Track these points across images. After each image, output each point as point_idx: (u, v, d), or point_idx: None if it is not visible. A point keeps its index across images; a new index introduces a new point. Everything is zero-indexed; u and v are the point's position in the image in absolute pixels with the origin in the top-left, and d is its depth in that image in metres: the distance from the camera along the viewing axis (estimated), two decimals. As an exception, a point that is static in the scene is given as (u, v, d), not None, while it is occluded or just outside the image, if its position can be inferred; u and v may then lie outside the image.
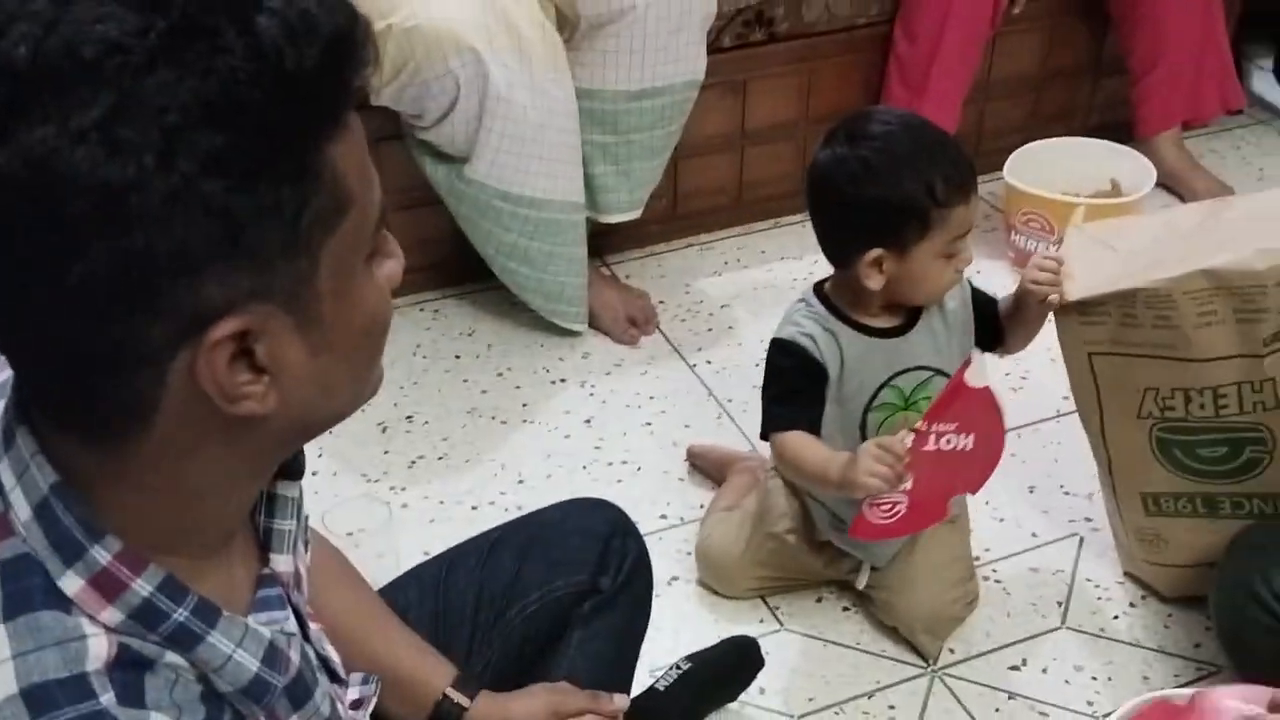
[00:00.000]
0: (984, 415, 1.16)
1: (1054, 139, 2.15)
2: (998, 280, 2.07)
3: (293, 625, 0.69)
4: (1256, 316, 1.23)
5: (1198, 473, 1.35)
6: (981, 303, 1.32)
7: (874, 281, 1.19)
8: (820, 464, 1.20)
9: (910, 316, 1.26)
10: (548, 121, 1.72)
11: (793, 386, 1.23)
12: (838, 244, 1.22)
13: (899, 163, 1.16)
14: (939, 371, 1.24)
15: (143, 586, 0.58)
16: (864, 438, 1.24)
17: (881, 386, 1.24)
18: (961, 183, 1.17)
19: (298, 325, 0.57)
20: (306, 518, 0.78)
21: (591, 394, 1.82)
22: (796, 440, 1.22)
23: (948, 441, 1.14)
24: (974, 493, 1.33)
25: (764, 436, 1.27)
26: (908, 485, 1.15)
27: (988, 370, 1.16)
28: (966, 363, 1.13)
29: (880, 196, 1.16)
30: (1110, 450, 1.40)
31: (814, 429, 1.23)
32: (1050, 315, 1.30)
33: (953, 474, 1.19)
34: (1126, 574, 1.51)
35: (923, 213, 1.15)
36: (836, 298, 1.25)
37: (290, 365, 0.58)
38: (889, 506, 1.17)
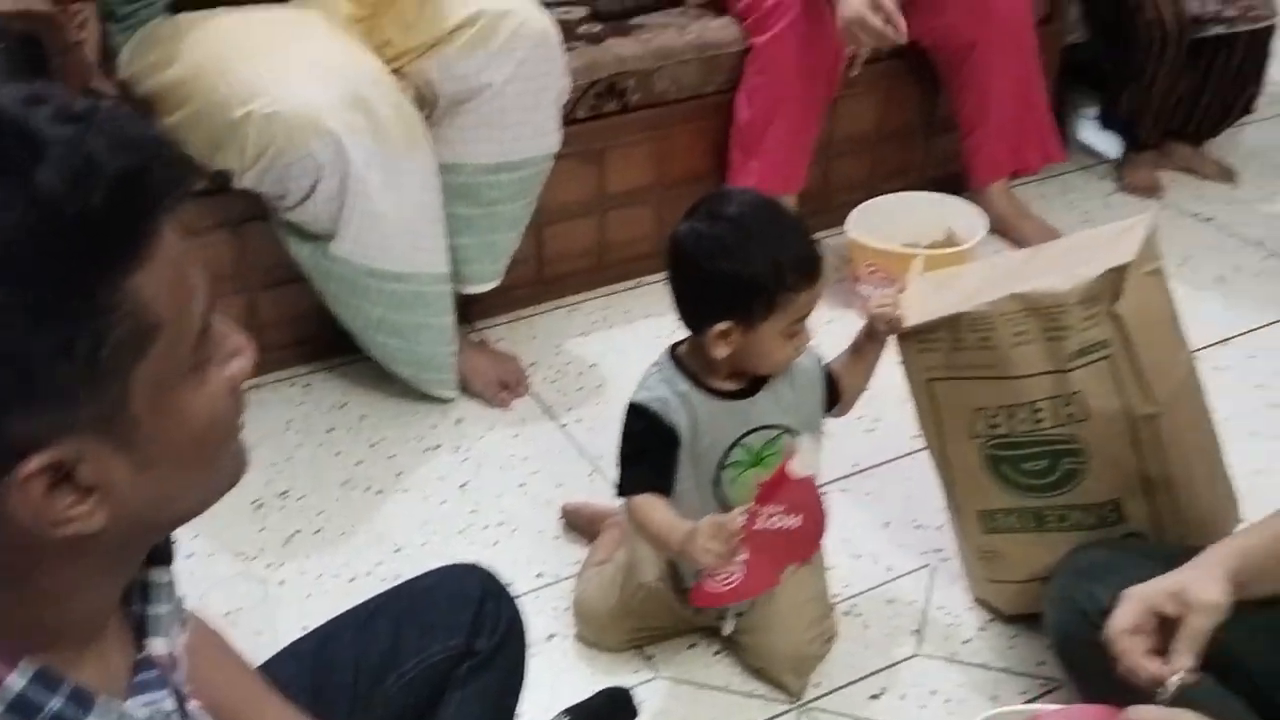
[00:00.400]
0: (808, 498, 1.25)
1: (892, 194, 2.29)
2: (848, 327, 2.18)
3: (171, 704, 0.72)
4: (1062, 334, 1.37)
5: (1024, 488, 1.47)
6: (830, 372, 1.42)
7: (720, 351, 1.26)
8: (664, 530, 1.26)
9: (757, 380, 1.34)
10: (408, 198, 1.77)
11: (645, 449, 1.30)
12: (690, 312, 1.30)
13: (752, 244, 1.23)
14: (786, 429, 1.32)
15: (16, 681, 0.61)
16: (718, 493, 1.31)
17: (733, 445, 1.31)
18: (809, 269, 1.25)
19: (117, 448, 0.59)
20: (181, 599, 0.81)
21: (465, 459, 1.87)
22: (646, 503, 1.29)
23: (777, 521, 1.22)
24: (801, 564, 1.40)
25: (619, 496, 1.34)
26: (743, 557, 1.22)
27: (812, 456, 1.24)
28: (791, 452, 1.21)
29: (732, 274, 1.23)
30: (952, 472, 1.52)
31: (665, 489, 1.30)
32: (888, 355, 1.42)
33: (782, 549, 1.28)
34: (976, 599, 1.61)
35: (770, 293, 1.23)
36: (689, 361, 1.33)
37: (117, 484, 0.60)
38: (724, 576, 1.25)
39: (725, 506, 1.31)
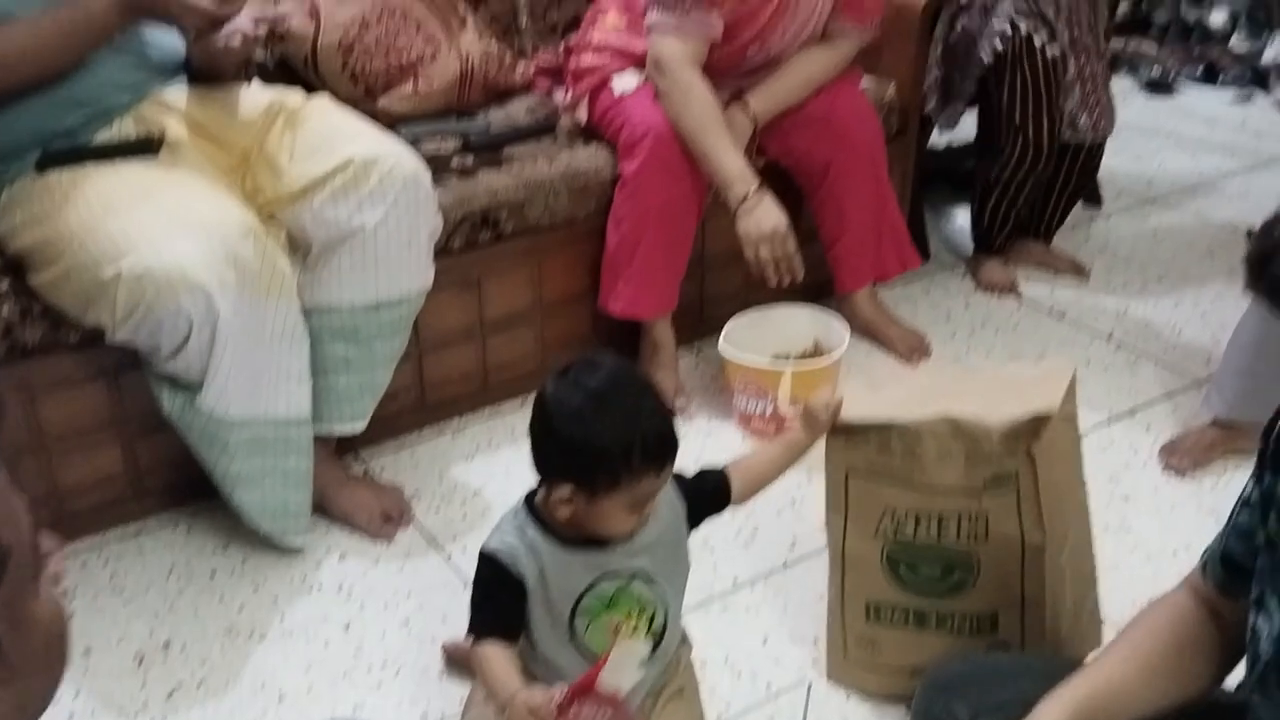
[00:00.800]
0: (616, 705, 1.27)
1: (762, 307, 2.38)
2: (725, 437, 2.27)
3: None
4: (982, 460, 1.49)
5: (916, 589, 1.58)
6: (708, 484, 1.47)
7: (561, 512, 1.30)
8: (494, 685, 1.30)
9: None
10: (275, 345, 1.80)
11: (492, 597, 1.33)
12: (540, 467, 1.33)
13: (605, 421, 1.26)
14: (638, 574, 1.37)
15: None
16: (573, 636, 1.35)
17: (584, 593, 1.35)
18: (657, 456, 1.28)
19: None
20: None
21: (349, 598, 1.87)
22: (488, 651, 1.32)
23: (588, 713, 1.26)
24: None
25: (468, 636, 1.36)
26: None
27: (625, 669, 1.26)
28: (604, 660, 1.25)
29: (582, 443, 1.26)
30: (846, 562, 1.62)
31: (511, 636, 1.33)
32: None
33: None
34: (835, 680, 1.70)
35: (614, 472, 1.26)
36: (543, 508, 1.36)
37: None
38: None
39: (582, 651, 1.35)
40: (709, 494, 1.47)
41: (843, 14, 2.31)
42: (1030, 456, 1.47)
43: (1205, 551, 1.34)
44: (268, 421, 1.83)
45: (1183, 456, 2.15)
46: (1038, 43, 2.52)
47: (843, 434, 1.54)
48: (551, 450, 1.30)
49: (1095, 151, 2.78)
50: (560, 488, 1.28)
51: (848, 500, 1.58)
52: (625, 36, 2.32)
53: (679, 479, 1.43)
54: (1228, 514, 1.22)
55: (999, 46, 2.53)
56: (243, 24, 1.81)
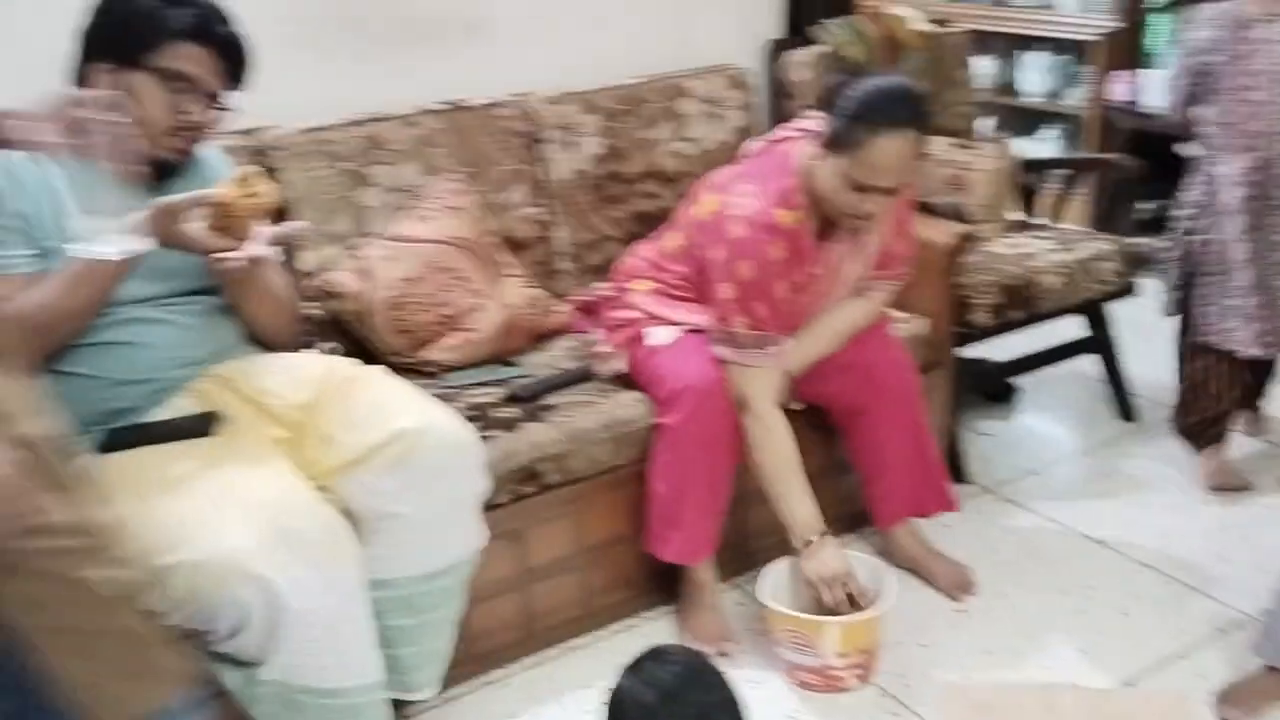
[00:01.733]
0: None
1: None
2: (773, 688, 2.24)
3: None
4: None
5: None
6: None
7: None
8: None
9: None
10: (342, 613, 1.80)
11: None
12: None
13: (675, 715, 1.31)
14: None
15: None
16: None
17: None
18: None
19: None
20: None
21: None
22: None
23: None
24: None
25: None
26: None
27: None
28: None
29: None
30: None
31: None
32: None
33: None
34: None
35: None
36: None
37: None
38: None
39: None
40: None
41: (875, 270, 2.38)
42: None
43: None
44: (341, 689, 1.81)
45: (1239, 707, 2.11)
46: None
47: None
48: None
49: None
50: None
51: None
52: (655, 302, 2.39)
53: None
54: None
55: None
56: (244, 251, 1.81)
